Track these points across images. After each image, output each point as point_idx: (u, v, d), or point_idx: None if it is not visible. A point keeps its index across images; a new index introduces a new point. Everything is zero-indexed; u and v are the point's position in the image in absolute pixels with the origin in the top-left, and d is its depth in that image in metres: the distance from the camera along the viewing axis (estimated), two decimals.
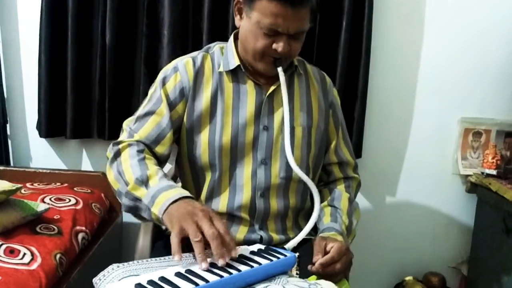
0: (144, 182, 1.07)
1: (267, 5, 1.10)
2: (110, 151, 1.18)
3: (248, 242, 1.18)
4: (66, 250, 1.40)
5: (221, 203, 1.23)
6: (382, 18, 1.84)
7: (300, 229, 1.16)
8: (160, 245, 1.27)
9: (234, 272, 0.87)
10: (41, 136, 1.87)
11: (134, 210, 1.09)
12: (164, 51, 1.77)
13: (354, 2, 1.75)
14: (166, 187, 1.05)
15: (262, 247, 1.02)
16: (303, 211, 1.32)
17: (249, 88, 1.23)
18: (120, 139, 1.20)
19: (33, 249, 1.31)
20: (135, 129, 1.20)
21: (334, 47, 1.79)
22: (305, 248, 1.19)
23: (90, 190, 1.77)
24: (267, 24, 1.12)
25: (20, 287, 1.15)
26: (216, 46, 1.29)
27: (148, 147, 1.18)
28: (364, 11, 1.76)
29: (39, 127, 1.87)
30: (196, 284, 0.81)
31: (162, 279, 0.83)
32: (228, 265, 0.90)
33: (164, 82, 1.23)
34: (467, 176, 1.90)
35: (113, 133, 1.81)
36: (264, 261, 0.93)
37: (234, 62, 1.23)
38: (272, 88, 1.24)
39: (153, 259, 0.96)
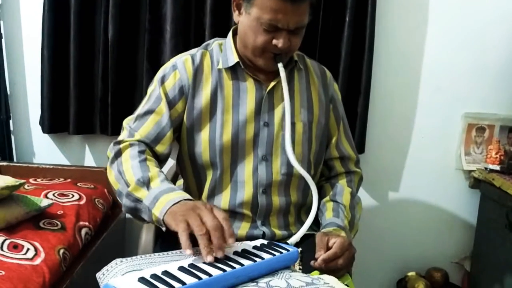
0: (145, 183, 1.06)
1: (267, 1, 1.09)
2: (111, 150, 1.16)
3: (250, 238, 1.18)
4: (70, 245, 1.40)
5: (223, 200, 1.22)
6: (386, 14, 1.83)
7: (303, 224, 1.16)
8: (163, 240, 1.28)
9: (237, 266, 0.87)
10: (44, 131, 1.88)
11: (134, 211, 1.08)
12: (167, 47, 1.77)
13: None
14: (168, 190, 1.04)
15: (265, 242, 1.02)
16: (305, 206, 1.32)
17: (248, 85, 1.23)
18: (120, 138, 1.19)
19: (37, 244, 1.32)
20: (135, 128, 1.19)
21: (338, 42, 1.79)
22: (307, 243, 1.19)
23: (93, 185, 1.78)
24: (267, 19, 1.11)
25: (24, 282, 1.16)
26: (215, 43, 1.28)
27: (148, 146, 1.17)
28: (368, 7, 1.75)
29: (42, 123, 1.88)
30: (200, 278, 0.81)
31: (166, 273, 0.83)
32: (231, 259, 0.90)
33: (163, 81, 1.22)
34: (470, 171, 1.90)
35: (116, 129, 1.81)
36: (267, 256, 0.93)
37: (233, 58, 1.22)
38: (272, 84, 1.23)
39: (156, 254, 0.96)
